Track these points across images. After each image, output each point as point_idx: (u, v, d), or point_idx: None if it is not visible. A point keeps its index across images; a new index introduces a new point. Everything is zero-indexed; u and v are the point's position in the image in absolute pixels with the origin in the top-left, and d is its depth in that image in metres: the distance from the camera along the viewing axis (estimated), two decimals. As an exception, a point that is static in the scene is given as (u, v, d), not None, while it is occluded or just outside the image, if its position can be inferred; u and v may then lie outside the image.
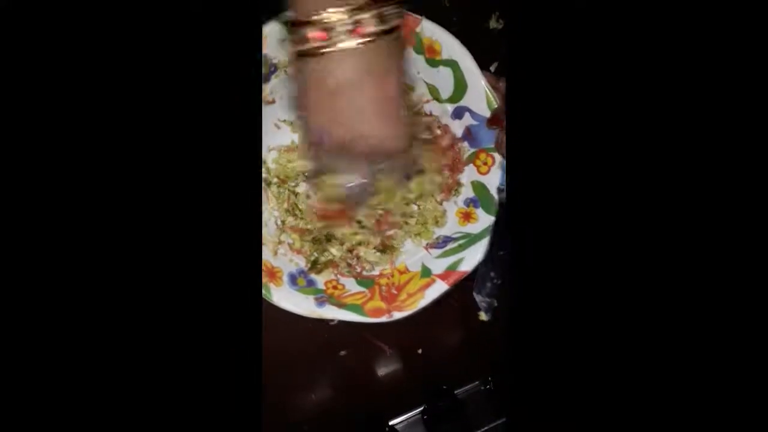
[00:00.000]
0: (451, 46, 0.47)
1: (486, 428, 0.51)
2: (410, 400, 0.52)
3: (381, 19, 0.32)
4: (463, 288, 0.49)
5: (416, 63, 0.48)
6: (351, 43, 0.31)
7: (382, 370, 0.53)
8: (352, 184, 0.39)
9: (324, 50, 0.32)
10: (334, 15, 0.31)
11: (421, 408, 0.52)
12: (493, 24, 0.56)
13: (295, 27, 0.32)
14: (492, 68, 0.55)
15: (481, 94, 0.48)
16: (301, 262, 0.50)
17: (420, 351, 0.53)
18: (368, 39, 0.32)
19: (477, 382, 0.52)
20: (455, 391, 0.52)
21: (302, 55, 0.33)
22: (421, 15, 0.47)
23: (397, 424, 0.51)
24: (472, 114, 0.49)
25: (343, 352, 0.52)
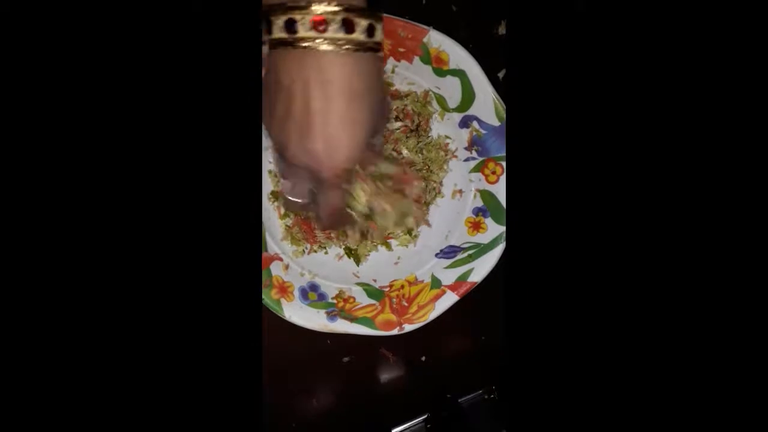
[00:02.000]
0: (458, 55, 0.47)
1: (489, 437, 0.51)
2: (413, 408, 0.52)
3: (370, 30, 0.30)
4: (468, 296, 0.49)
5: (424, 73, 0.48)
6: (340, 41, 0.30)
7: (385, 378, 0.52)
8: (299, 200, 0.39)
9: (307, 43, 0.30)
10: (327, 6, 0.29)
11: (425, 416, 0.51)
12: (501, 30, 0.55)
13: (281, 12, 0.30)
14: (500, 75, 0.54)
15: (490, 103, 0.48)
16: (308, 275, 0.51)
17: (424, 359, 0.53)
18: (356, 47, 0.30)
19: (481, 391, 0.52)
20: (459, 400, 0.51)
21: (281, 44, 0.30)
22: (428, 20, 0.47)
23: (400, 432, 0.51)
24: (480, 123, 0.49)
25: (346, 359, 0.52)
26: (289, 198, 0.39)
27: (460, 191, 0.51)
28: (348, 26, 0.30)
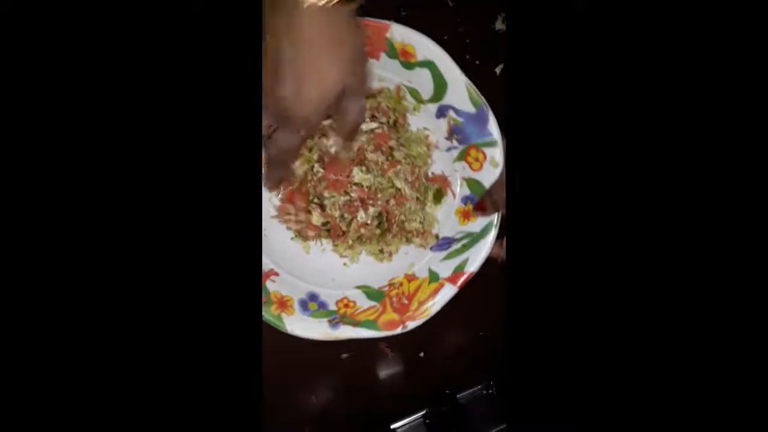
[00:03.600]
0: (425, 46, 0.47)
1: (488, 433, 0.49)
2: (412, 404, 0.51)
3: None
4: (466, 290, 0.49)
5: (392, 68, 0.49)
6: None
7: (384, 374, 0.52)
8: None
9: None
10: None
11: (423, 412, 0.50)
12: (498, 25, 0.55)
13: None
14: (498, 70, 0.54)
15: (463, 91, 0.48)
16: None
17: (422, 354, 0.52)
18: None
19: (479, 386, 0.50)
20: (457, 395, 0.50)
21: None
22: (425, 15, 0.48)
23: (398, 427, 0.51)
24: (456, 111, 0.49)
25: (344, 355, 0.53)
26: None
27: (447, 181, 0.51)
28: None
